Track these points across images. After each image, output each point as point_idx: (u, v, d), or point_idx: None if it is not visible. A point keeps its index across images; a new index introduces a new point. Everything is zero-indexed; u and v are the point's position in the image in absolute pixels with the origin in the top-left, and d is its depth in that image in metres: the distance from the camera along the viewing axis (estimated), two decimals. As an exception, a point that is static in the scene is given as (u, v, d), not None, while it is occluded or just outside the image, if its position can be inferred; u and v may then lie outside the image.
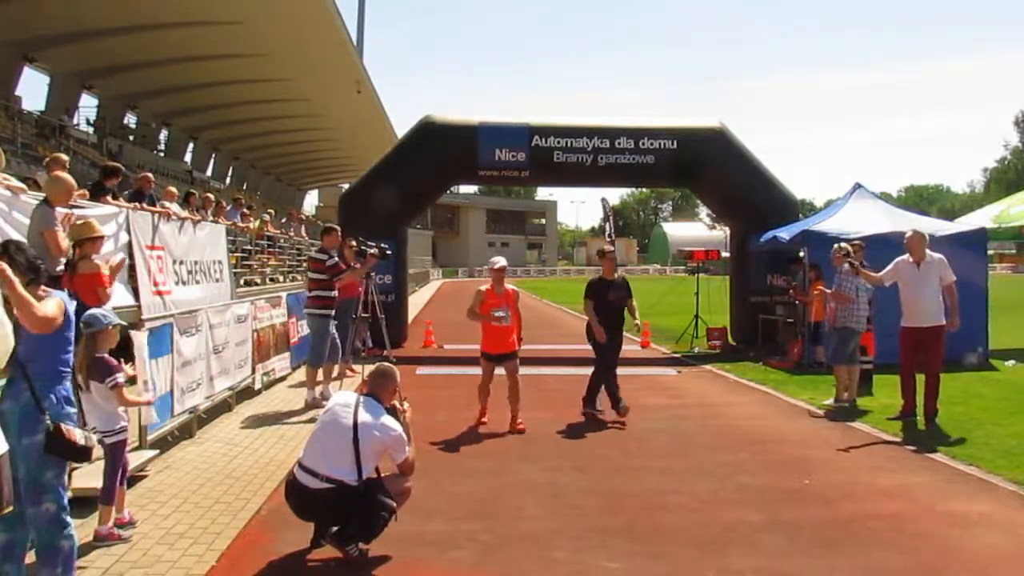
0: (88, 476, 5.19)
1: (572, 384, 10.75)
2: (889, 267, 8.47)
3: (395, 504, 4.59)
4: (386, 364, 5.01)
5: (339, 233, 9.89)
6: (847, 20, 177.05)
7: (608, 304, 8.61)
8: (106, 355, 4.82)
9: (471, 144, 14.84)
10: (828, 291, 9.48)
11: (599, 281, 8.81)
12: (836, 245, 9.59)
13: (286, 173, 57.15)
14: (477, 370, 13.60)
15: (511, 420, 7.97)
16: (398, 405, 4.87)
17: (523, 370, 11.46)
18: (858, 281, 9.06)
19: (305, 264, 16.32)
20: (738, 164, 15.08)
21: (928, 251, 8.31)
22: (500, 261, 8.20)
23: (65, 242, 6.29)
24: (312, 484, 4.49)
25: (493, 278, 8.10)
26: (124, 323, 4.96)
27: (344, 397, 4.81)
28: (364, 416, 4.56)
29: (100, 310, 5.06)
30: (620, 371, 11.57)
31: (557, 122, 15.21)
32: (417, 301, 29.59)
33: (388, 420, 4.64)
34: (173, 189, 12.10)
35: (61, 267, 6.28)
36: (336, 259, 9.40)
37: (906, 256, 8.36)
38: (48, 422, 3.68)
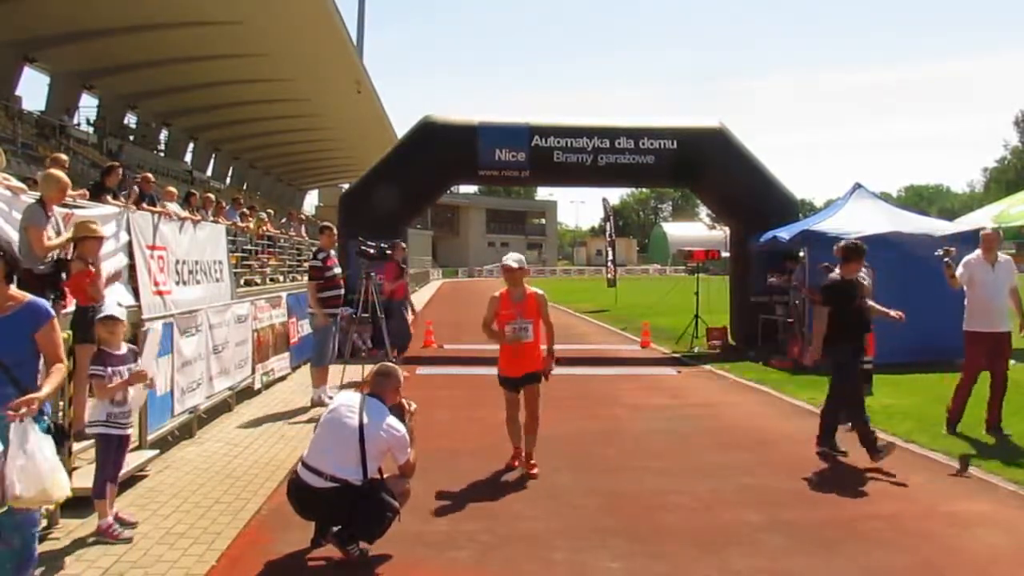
0: (88, 476, 5.18)
1: (572, 384, 10.76)
2: (960, 268, 7.75)
3: (399, 504, 4.59)
4: (388, 364, 5.01)
5: (334, 232, 9.92)
6: (847, 20, 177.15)
7: (854, 313, 6.83)
8: (104, 348, 4.83)
9: (471, 144, 14.84)
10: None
11: (843, 283, 6.92)
12: (838, 245, 9.49)
13: (286, 173, 57.17)
14: (477, 370, 13.51)
15: (524, 458, 6.49)
16: (405, 404, 4.87)
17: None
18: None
19: (306, 265, 16.34)
20: (738, 164, 15.07)
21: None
22: (511, 258, 6.32)
23: (54, 241, 6.25)
24: (316, 483, 4.49)
25: (507, 281, 6.33)
26: (114, 314, 4.93)
27: (348, 397, 4.81)
28: (369, 416, 4.57)
29: (109, 305, 5.10)
30: (620, 371, 11.44)
31: (557, 122, 15.21)
32: (417, 301, 29.55)
33: (393, 421, 4.65)
34: (172, 189, 12.11)
35: (43, 266, 6.27)
36: (327, 255, 9.40)
37: (976, 254, 7.72)
38: (49, 421, 3.68)
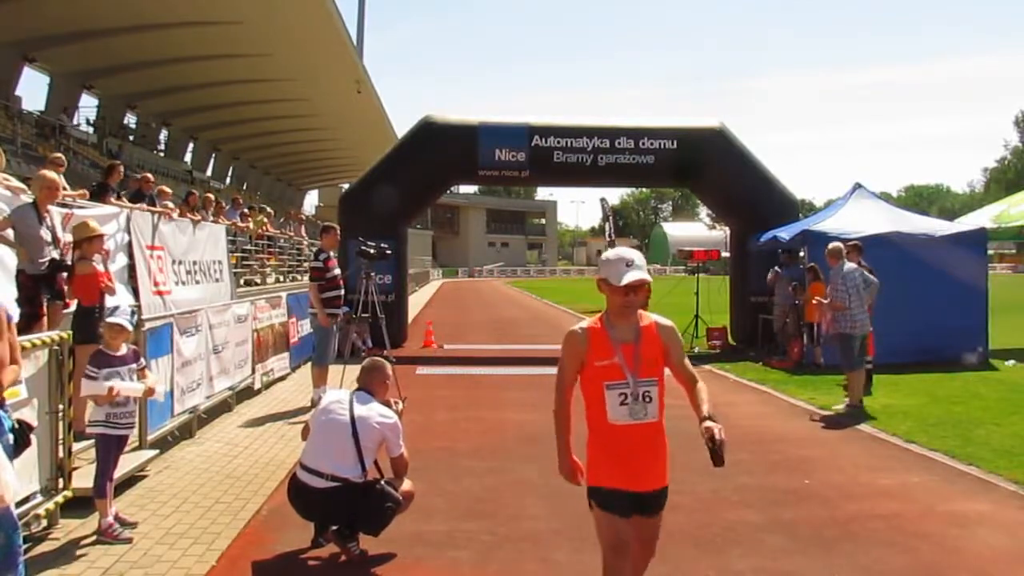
0: (88, 477, 5.18)
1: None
2: None
3: (400, 496, 4.61)
4: (375, 358, 5.01)
5: (337, 232, 9.89)
6: (847, 20, 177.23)
7: None
8: (103, 350, 4.83)
9: (471, 144, 14.84)
10: (824, 301, 9.12)
11: None
12: (830, 245, 9.43)
13: (286, 173, 57.16)
14: (477, 369, 13.41)
15: None
16: (392, 403, 4.88)
17: (522, 370, 11.11)
18: (852, 285, 8.81)
19: (306, 265, 16.37)
20: (738, 164, 15.08)
21: None
22: (634, 258, 3.18)
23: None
24: (317, 484, 4.50)
25: (618, 304, 3.19)
26: (121, 324, 4.91)
27: (337, 395, 4.83)
28: (360, 410, 4.60)
29: (121, 309, 5.09)
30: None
31: (557, 122, 15.21)
32: (417, 301, 29.60)
33: (384, 409, 4.68)
34: (167, 188, 12.06)
35: (41, 269, 6.29)
36: (328, 256, 9.39)
37: None
38: (13, 421, 3.65)
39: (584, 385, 3.25)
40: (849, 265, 9.03)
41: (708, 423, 3.15)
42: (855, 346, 8.82)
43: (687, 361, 3.43)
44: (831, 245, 9.27)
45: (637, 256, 3.21)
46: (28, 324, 6.07)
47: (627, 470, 3.19)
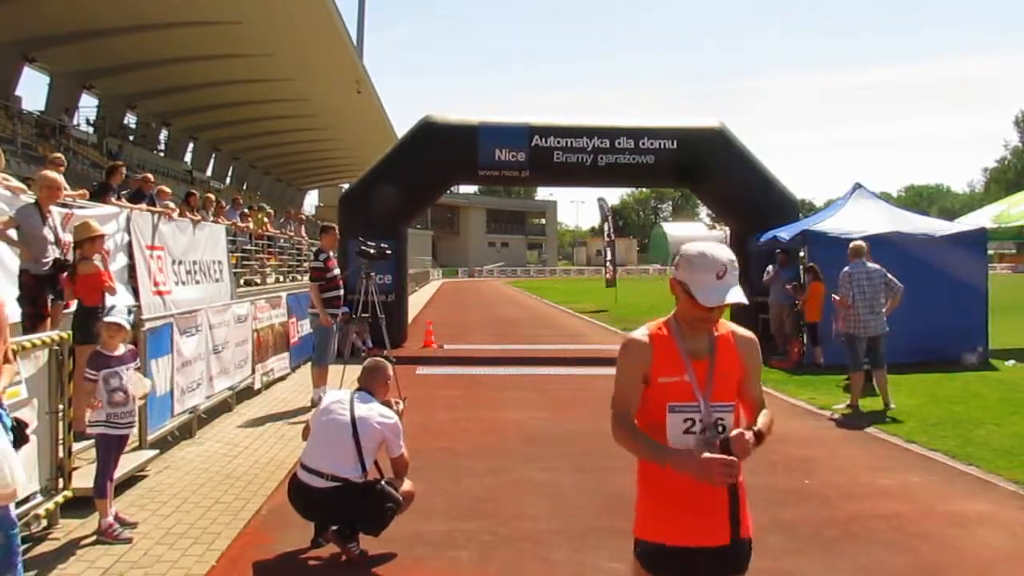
0: (88, 477, 5.18)
1: (572, 384, 10.76)
2: None
3: (400, 497, 4.62)
4: (376, 359, 5.01)
5: (337, 232, 9.89)
6: (847, 20, 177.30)
7: None
8: (100, 350, 4.83)
9: (471, 144, 14.84)
10: (836, 297, 9.12)
11: None
12: (852, 243, 9.32)
13: (286, 173, 57.16)
14: (477, 370, 13.44)
15: None
16: (393, 403, 4.89)
17: (522, 370, 11.11)
18: (856, 284, 8.80)
19: (306, 265, 16.37)
20: (738, 164, 15.08)
21: None
22: (724, 272, 2.67)
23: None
24: (317, 484, 4.50)
25: (692, 319, 2.62)
26: (119, 322, 4.91)
27: (338, 395, 4.83)
28: (360, 410, 4.60)
29: (118, 308, 5.09)
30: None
31: (557, 122, 15.22)
32: (417, 301, 29.60)
33: (383, 409, 4.68)
34: (166, 188, 12.06)
35: (45, 269, 6.32)
36: (328, 256, 9.39)
37: None
38: (11, 420, 3.65)
39: (644, 406, 2.54)
40: (871, 266, 8.95)
41: (748, 436, 2.44)
42: (859, 347, 8.80)
43: (760, 385, 2.72)
44: (852, 244, 9.22)
45: (730, 260, 2.61)
46: (33, 324, 6.08)
47: (684, 518, 2.48)
